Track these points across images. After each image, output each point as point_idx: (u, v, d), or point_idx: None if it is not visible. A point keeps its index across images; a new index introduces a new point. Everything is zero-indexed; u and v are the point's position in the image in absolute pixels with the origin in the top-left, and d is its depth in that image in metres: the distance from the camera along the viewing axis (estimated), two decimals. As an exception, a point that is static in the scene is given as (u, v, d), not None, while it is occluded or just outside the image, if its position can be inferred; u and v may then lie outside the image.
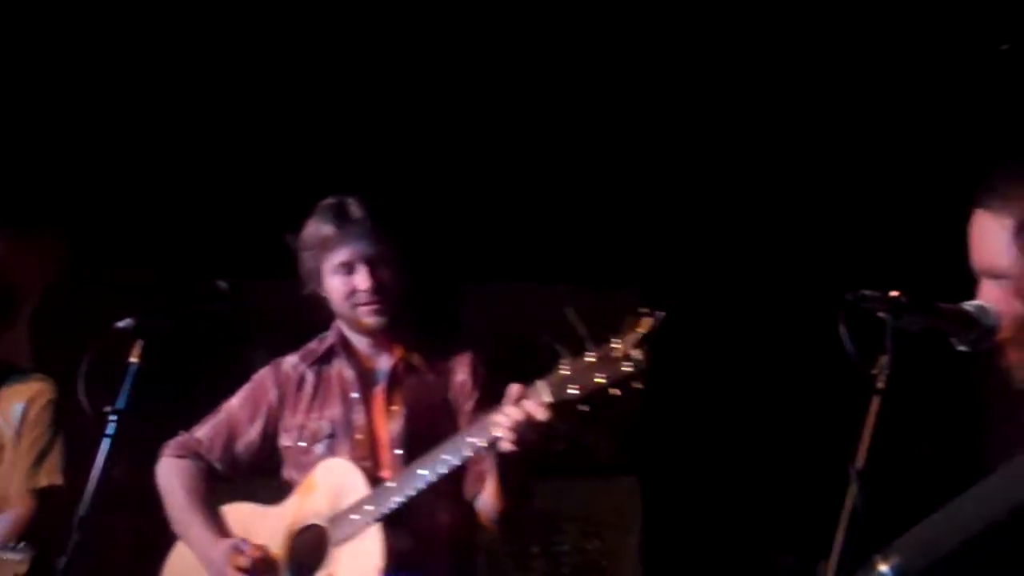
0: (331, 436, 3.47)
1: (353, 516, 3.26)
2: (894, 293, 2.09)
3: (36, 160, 4.98)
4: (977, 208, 2.04)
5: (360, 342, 3.53)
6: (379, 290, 3.39)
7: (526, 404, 2.97)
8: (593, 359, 2.87)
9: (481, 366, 3.47)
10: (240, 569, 3.37)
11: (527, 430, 2.97)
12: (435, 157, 5.24)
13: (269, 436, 3.58)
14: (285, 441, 3.55)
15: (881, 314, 2.09)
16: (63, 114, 4.92)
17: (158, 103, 4.96)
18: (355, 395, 3.48)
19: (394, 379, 3.48)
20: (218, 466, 3.62)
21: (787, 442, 5.46)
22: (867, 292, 2.10)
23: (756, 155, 5.36)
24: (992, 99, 4.80)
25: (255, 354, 4.06)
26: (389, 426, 3.43)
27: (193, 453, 3.63)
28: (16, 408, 4.00)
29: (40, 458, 3.97)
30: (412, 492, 3.18)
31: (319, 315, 3.54)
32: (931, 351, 2.11)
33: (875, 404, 2.08)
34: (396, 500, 3.20)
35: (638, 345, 2.82)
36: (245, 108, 5.01)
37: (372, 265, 3.39)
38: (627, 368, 2.82)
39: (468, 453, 3.11)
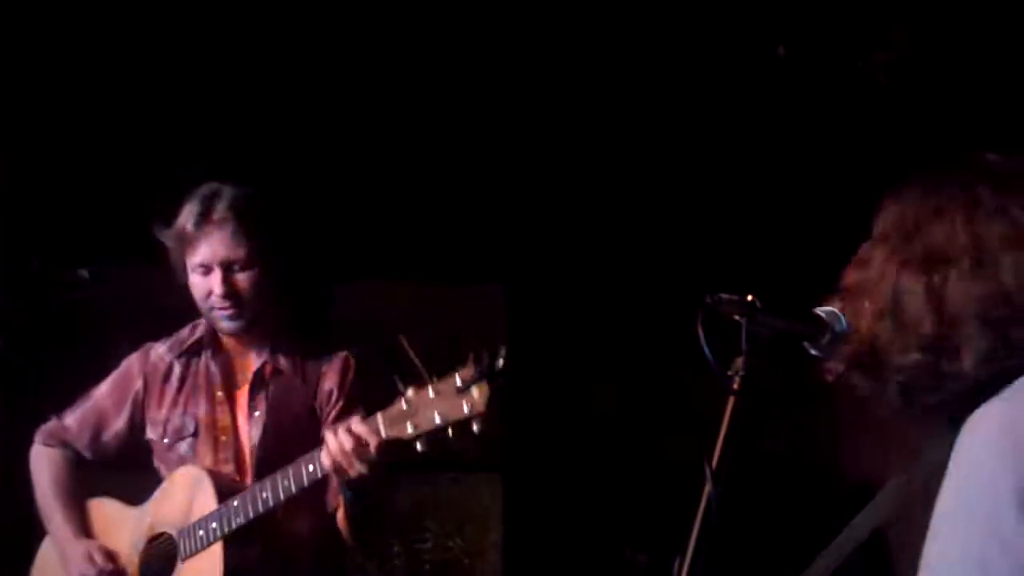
0: (194, 435, 3.43)
1: (200, 532, 3.23)
2: (749, 297, 2.14)
3: None
4: None
5: (229, 339, 3.46)
6: (234, 295, 3.31)
7: (359, 430, 2.90)
8: (432, 396, 2.80)
9: (351, 372, 3.39)
10: None
11: (357, 461, 2.91)
12: (304, 154, 5.21)
13: (136, 427, 3.54)
14: (151, 434, 3.51)
15: (736, 317, 2.14)
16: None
17: (26, 82, 4.85)
18: (220, 394, 3.44)
19: (259, 381, 3.41)
20: (87, 454, 3.59)
21: (645, 441, 5.54)
22: (724, 295, 2.15)
23: (623, 156, 5.43)
24: (847, 112, 4.94)
25: (117, 342, 4.00)
26: (251, 430, 3.39)
27: (61, 441, 3.60)
28: None
29: None
30: (252, 516, 3.14)
31: (190, 304, 3.46)
32: (786, 352, 2.16)
33: (730, 404, 2.13)
34: (239, 521, 3.16)
35: (478, 382, 2.74)
36: (121, 89, 4.92)
37: (229, 269, 3.30)
38: (466, 410, 2.75)
39: (305, 482, 3.06)
